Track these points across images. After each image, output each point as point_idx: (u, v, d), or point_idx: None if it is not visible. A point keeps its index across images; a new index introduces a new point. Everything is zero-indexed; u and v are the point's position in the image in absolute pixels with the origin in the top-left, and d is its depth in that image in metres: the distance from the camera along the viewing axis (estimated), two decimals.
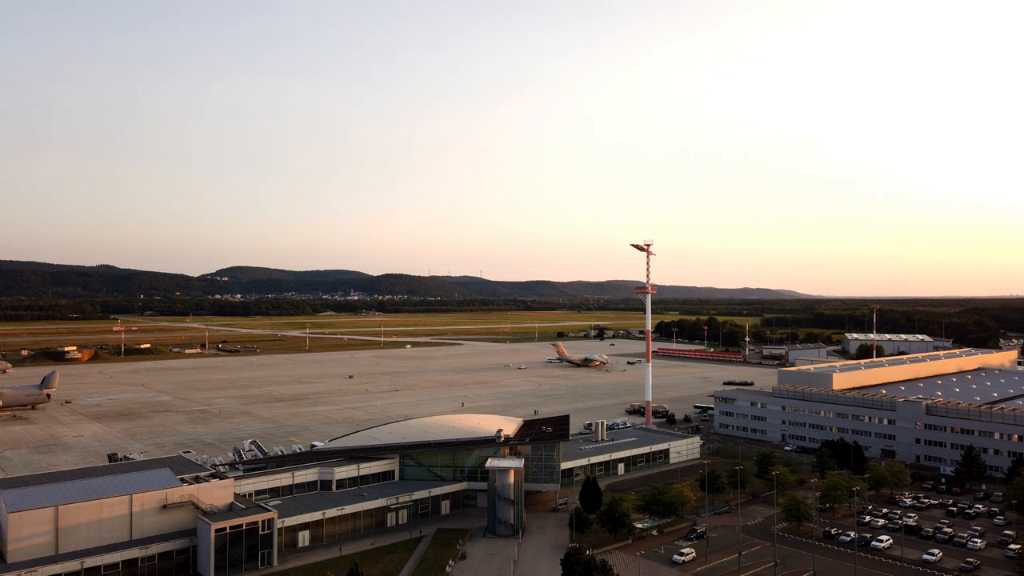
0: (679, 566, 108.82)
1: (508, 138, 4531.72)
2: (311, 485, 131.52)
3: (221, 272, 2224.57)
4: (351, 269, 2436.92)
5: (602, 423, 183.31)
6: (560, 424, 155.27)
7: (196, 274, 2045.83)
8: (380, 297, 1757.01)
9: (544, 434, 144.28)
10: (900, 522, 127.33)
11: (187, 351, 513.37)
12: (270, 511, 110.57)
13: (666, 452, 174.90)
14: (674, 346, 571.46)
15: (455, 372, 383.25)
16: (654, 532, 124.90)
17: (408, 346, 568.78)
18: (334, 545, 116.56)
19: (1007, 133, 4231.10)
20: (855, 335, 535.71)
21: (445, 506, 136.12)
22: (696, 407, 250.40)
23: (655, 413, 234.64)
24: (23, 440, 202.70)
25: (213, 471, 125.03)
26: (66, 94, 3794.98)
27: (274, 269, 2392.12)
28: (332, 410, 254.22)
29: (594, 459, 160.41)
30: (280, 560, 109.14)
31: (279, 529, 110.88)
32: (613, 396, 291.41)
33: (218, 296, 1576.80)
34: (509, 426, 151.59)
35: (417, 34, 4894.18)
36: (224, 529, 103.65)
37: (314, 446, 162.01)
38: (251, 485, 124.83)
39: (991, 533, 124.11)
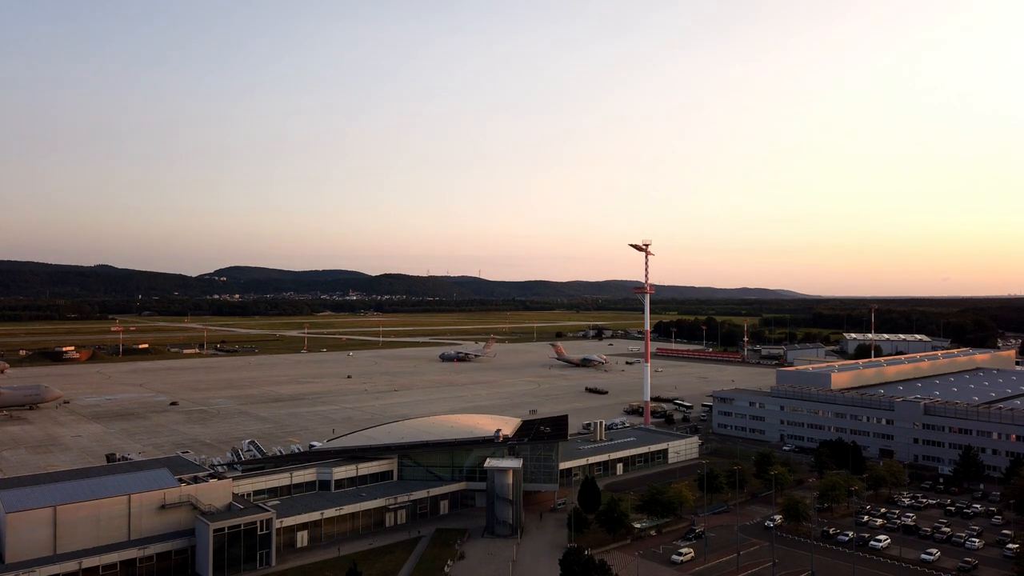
0: (677, 566, 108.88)
1: (507, 137, 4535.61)
2: (309, 485, 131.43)
3: (219, 272, 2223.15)
4: (349, 269, 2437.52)
5: (601, 423, 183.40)
6: (559, 424, 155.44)
7: (194, 274, 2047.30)
8: (378, 297, 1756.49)
9: (542, 434, 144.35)
10: (898, 522, 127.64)
11: (185, 351, 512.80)
12: (268, 511, 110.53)
13: (664, 452, 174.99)
14: (673, 346, 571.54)
15: (454, 372, 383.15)
16: (653, 532, 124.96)
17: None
18: (332, 545, 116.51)
19: (1005, 130, 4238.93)
20: (853, 335, 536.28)
21: (444, 506, 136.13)
22: (705, 405, 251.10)
23: (653, 413, 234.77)
24: (21, 440, 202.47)
25: (211, 471, 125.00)
26: (64, 93, 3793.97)
27: (272, 269, 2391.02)
28: (330, 410, 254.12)
29: (593, 459, 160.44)
30: (278, 560, 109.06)
31: (277, 529, 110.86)
32: (611, 396, 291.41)
33: (216, 296, 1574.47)
34: (507, 426, 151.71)
35: (414, 33, 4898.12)
36: (222, 529, 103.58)
37: (312, 446, 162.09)
38: (249, 485, 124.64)
39: (989, 533, 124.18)
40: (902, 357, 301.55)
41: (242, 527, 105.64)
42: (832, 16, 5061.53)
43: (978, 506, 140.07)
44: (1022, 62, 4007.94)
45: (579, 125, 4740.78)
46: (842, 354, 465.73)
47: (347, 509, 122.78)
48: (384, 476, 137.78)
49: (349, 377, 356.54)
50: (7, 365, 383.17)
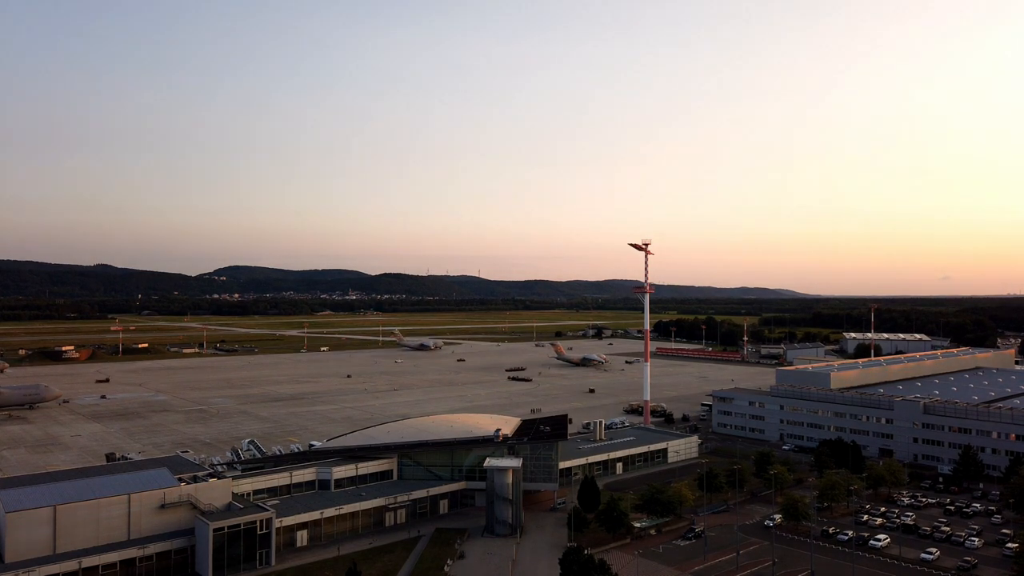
0: (677, 564, 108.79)
1: (506, 137, 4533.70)
2: (309, 485, 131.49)
3: (219, 271, 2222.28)
4: (349, 268, 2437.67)
5: (600, 422, 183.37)
6: (558, 423, 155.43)
7: (194, 273, 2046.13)
8: (378, 296, 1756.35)
9: (542, 433, 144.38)
10: (898, 521, 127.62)
11: (185, 351, 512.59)
12: (268, 511, 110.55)
13: (664, 451, 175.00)
14: (672, 345, 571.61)
15: (453, 371, 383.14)
16: (652, 531, 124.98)
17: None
18: (332, 545, 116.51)
19: (1004, 132, 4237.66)
20: (853, 334, 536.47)
21: (443, 505, 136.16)
22: (704, 405, 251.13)
23: (653, 412, 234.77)
24: (21, 440, 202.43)
25: (211, 471, 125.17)
26: (65, 93, 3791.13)
27: (272, 268, 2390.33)
28: (330, 410, 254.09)
29: (592, 458, 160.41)
30: (278, 560, 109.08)
31: (277, 529, 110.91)
32: (611, 396, 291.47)
33: (216, 296, 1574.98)
34: (507, 425, 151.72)
35: (414, 33, 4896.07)
36: (222, 529, 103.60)
37: (312, 446, 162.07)
38: (249, 485, 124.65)
39: (988, 532, 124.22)
40: (902, 356, 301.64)
41: (242, 527, 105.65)
42: (832, 17, 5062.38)
43: (977, 505, 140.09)
44: (1017, 61, 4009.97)
45: (580, 125, 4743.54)
46: (842, 353, 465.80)
47: (347, 509, 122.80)
48: (384, 475, 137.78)
49: (349, 377, 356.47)
50: (7, 364, 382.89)
